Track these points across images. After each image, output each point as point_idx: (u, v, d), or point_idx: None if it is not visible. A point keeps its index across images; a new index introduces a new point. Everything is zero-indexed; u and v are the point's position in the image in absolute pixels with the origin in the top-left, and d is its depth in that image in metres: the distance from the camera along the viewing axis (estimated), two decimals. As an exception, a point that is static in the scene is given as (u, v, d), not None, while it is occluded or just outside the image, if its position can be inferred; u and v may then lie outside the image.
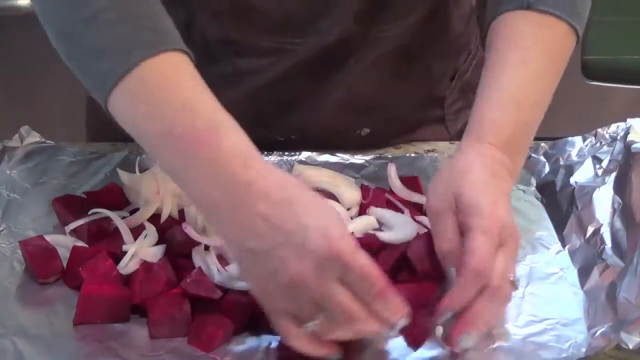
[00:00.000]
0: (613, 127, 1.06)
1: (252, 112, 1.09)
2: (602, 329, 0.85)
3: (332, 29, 1.04)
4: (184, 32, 0.95)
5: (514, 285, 0.85)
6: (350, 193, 0.99)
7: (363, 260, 0.77)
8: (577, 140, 1.10)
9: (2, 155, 1.08)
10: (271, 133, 1.13)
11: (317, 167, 1.06)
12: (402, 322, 0.80)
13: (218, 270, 0.87)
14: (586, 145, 1.07)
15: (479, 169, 0.90)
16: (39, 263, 0.90)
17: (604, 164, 1.03)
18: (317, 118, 1.12)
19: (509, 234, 0.86)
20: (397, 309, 0.79)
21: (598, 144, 1.06)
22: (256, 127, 1.04)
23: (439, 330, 0.84)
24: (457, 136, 1.18)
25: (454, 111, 1.21)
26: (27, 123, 1.14)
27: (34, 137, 1.12)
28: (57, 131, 1.24)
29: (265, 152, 1.12)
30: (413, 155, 1.13)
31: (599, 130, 1.09)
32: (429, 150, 1.17)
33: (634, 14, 2.10)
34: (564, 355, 0.84)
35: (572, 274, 0.94)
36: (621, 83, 2.13)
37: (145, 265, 0.88)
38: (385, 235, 0.90)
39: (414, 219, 0.97)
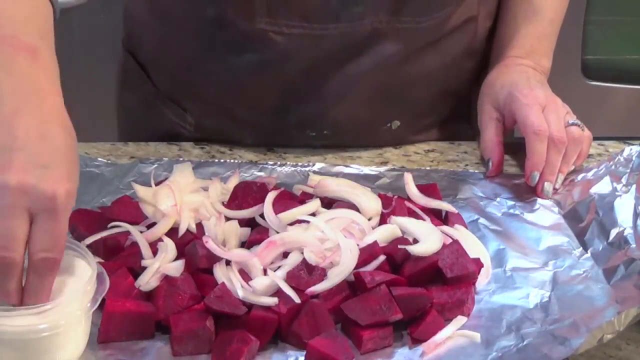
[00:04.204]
0: (626, 150, 1.07)
1: (282, 103, 1.13)
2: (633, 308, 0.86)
3: (364, 15, 1.05)
4: (214, 23, 1.01)
5: (580, 127, 1.07)
6: (371, 203, 0.97)
7: (63, 222, 0.74)
8: (592, 164, 1.11)
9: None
10: (304, 128, 1.15)
11: (335, 177, 1.05)
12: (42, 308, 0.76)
13: (242, 285, 0.85)
14: (601, 169, 1.08)
15: (505, 74, 1.13)
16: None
17: (624, 179, 1.03)
18: (349, 110, 1.13)
19: (547, 98, 1.08)
20: (44, 289, 0.75)
21: (614, 167, 1.06)
22: (288, 121, 1.13)
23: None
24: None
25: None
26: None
27: None
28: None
29: (279, 163, 1.11)
30: (428, 168, 1.13)
31: (611, 152, 1.13)
32: (428, 150, 1.18)
33: (634, 14, 2.10)
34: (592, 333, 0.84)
35: (598, 273, 0.94)
36: (621, 83, 2.13)
37: (168, 280, 0.86)
38: (415, 249, 0.89)
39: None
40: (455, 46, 1.16)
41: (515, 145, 1.13)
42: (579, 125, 1.07)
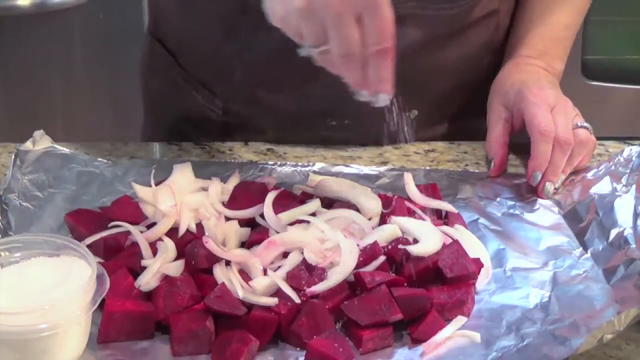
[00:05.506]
0: (626, 150, 1.07)
1: (304, 88, 1.13)
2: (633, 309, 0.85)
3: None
4: (236, 7, 1.05)
5: (588, 130, 1.06)
6: (371, 203, 0.97)
7: (387, 12, 0.82)
8: (592, 164, 1.11)
9: (14, 159, 1.06)
10: (325, 115, 1.15)
11: (335, 177, 1.04)
12: (383, 97, 0.87)
13: (242, 285, 0.85)
14: (601, 169, 1.08)
15: (516, 73, 1.12)
16: (57, 280, 0.88)
17: (624, 180, 1.03)
18: None
19: (557, 99, 1.07)
20: (384, 77, 0.85)
21: (614, 167, 1.06)
22: (310, 108, 1.13)
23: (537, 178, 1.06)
24: None
25: None
26: (25, 122, 1.13)
27: (46, 142, 1.10)
28: (57, 130, 1.23)
29: (279, 163, 1.11)
30: (428, 168, 1.13)
31: (611, 152, 1.13)
32: (428, 150, 1.18)
33: (634, 14, 2.10)
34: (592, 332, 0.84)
35: (598, 273, 0.94)
36: (621, 83, 2.13)
37: (168, 280, 0.86)
38: (415, 249, 0.89)
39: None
40: (477, 39, 1.16)
41: (518, 145, 1.13)
42: (587, 128, 1.07)
